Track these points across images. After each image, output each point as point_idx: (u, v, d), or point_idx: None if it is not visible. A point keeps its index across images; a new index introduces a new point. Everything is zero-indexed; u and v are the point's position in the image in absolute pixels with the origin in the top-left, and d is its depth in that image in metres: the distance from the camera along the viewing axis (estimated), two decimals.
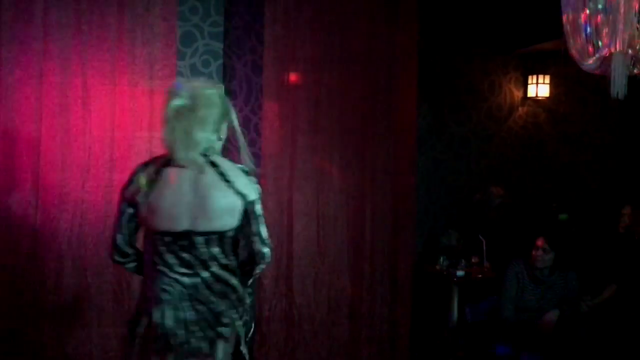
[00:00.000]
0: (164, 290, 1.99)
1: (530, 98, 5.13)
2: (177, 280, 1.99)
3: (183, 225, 1.97)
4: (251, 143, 4.22)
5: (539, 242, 3.58)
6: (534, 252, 3.59)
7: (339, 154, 3.76)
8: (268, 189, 3.54)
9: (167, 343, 1.99)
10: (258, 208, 2.05)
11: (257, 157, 4.10)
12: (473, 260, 4.17)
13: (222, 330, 2.02)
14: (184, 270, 2.00)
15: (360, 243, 3.82)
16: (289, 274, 3.64)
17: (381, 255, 3.86)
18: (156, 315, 1.99)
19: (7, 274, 3.27)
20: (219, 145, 2.11)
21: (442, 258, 4.18)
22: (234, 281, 2.06)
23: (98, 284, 3.46)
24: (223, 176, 1.99)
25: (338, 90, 3.73)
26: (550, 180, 5.25)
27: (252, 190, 2.04)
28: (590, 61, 2.47)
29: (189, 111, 1.95)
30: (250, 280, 2.15)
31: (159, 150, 3.52)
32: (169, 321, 1.98)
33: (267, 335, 3.61)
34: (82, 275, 3.42)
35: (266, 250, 2.07)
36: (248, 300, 2.14)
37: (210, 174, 1.99)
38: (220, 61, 4.12)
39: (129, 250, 2.10)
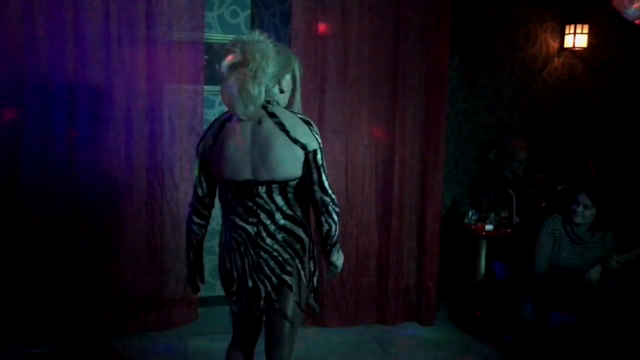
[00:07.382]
0: (233, 238, 2.11)
1: (567, 49, 4.96)
2: (243, 229, 2.08)
3: (245, 175, 2.03)
4: None
5: (580, 197, 3.39)
6: (573, 207, 3.41)
7: (368, 106, 3.72)
8: None
9: (240, 287, 2.14)
10: (319, 157, 2.03)
11: None
12: (502, 215, 4.13)
13: (286, 277, 2.09)
14: (250, 219, 2.07)
15: (388, 196, 3.82)
16: None
17: (409, 209, 3.86)
18: (228, 261, 2.15)
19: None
20: (282, 97, 2.14)
21: (470, 212, 4.15)
22: (298, 231, 2.10)
23: None
24: (282, 126, 1.99)
25: (368, 41, 3.66)
26: (585, 134, 5.12)
27: (312, 140, 2.02)
28: (632, 8, 2.37)
29: (242, 66, 1.95)
30: (330, 240, 2.11)
31: (188, 102, 3.58)
32: (238, 267, 2.12)
33: None
34: None
35: (327, 198, 2.05)
36: (314, 252, 2.18)
37: (269, 125, 2.00)
38: (248, 11, 4.07)
39: (209, 202, 2.20)
